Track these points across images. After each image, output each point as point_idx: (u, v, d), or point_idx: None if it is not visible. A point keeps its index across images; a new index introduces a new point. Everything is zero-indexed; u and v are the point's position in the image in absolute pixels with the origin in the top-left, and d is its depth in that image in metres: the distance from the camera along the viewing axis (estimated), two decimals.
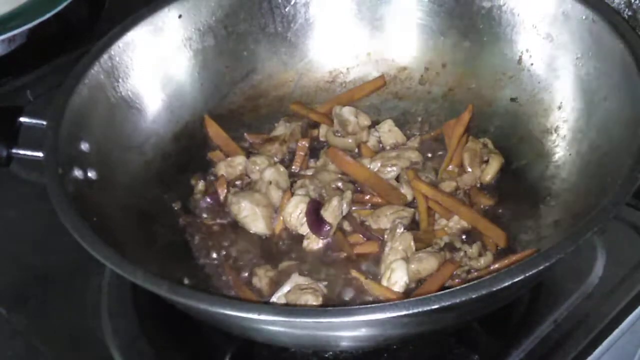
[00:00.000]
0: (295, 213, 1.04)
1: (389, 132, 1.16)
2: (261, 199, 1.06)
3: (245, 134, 1.18)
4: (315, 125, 1.18)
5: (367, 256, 1.02)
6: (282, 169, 1.10)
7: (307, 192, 1.06)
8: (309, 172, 1.12)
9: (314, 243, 1.03)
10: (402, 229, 0.99)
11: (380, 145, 1.16)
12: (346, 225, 1.05)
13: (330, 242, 1.03)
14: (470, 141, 1.11)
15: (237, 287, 0.99)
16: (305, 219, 1.03)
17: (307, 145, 1.14)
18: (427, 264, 0.96)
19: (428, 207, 1.05)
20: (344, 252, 1.02)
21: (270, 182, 1.07)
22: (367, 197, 1.07)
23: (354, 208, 1.06)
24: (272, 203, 1.07)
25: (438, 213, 1.04)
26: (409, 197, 1.07)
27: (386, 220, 1.03)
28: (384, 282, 0.97)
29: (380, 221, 1.03)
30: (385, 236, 1.00)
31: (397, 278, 0.96)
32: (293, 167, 1.13)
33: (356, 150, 1.15)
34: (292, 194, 1.06)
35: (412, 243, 0.98)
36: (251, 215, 1.05)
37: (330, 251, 1.03)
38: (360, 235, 1.03)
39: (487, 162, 1.09)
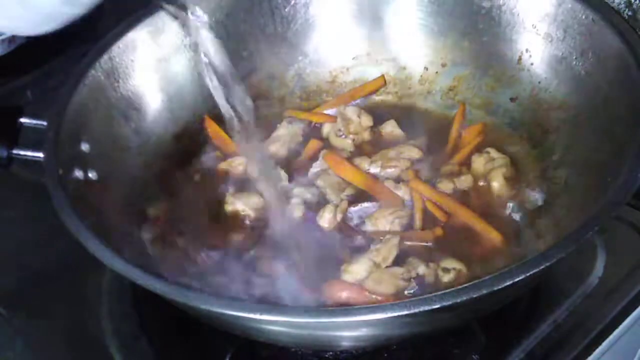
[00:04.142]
0: (292, 220, 1.04)
1: (391, 132, 1.16)
2: (257, 202, 1.06)
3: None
4: (317, 124, 1.19)
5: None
6: (282, 172, 1.10)
7: (303, 200, 1.06)
8: (314, 170, 1.12)
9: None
10: (396, 240, 0.99)
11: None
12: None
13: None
14: (474, 161, 1.10)
15: None
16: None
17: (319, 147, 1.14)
18: (384, 287, 0.95)
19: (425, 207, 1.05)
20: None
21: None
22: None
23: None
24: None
25: (435, 214, 1.04)
26: (407, 198, 1.07)
27: (385, 221, 1.03)
28: (345, 268, 0.97)
29: (379, 223, 1.03)
30: (388, 236, 1.01)
31: (356, 269, 0.97)
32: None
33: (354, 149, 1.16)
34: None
35: (392, 255, 0.98)
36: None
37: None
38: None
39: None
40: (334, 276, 0.97)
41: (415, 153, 1.12)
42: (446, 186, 1.07)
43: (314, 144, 1.16)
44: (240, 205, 1.06)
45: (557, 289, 1.00)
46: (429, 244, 1.01)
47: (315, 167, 1.12)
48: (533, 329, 0.95)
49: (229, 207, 1.06)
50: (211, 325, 0.91)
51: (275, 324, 0.80)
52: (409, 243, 1.01)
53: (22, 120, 1.02)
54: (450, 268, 0.97)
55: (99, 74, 1.05)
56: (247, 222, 1.06)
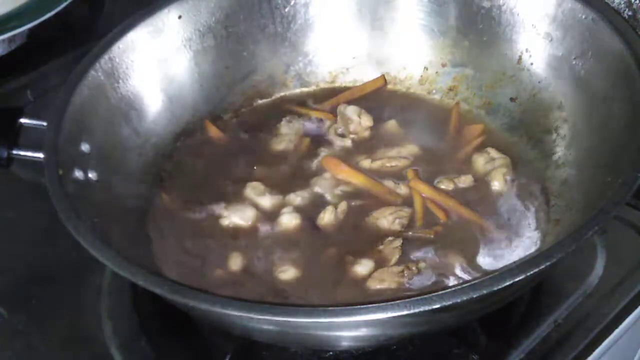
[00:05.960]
0: (289, 227, 1.04)
1: (391, 131, 1.16)
2: (250, 215, 1.06)
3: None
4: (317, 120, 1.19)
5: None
6: (260, 186, 1.08)
7: (298, 204, 1.06)
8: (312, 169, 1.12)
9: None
10: (399, 243, 0.99)
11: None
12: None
13: None
14: (474, 161, 1.10)
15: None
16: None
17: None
18: (385, 284, 0.96)
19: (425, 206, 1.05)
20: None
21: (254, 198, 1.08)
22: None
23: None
24: (262, 213, 1.06)
25: (435, 213, 1.04)
26: (408, 197, 1.07)
27: (385, 221, 1.03)
28: (349, 269, 0.98)
29: (380, 222, 1.03)
30: (390, 238, 1.01)
31: (360, 269, 0.97)
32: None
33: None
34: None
35: (395, 258, 0.98)
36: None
37: None
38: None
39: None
40: (337, 278, 0.97)
41: (415, 152, 1.12)
42: (446, 185, 1.07)
43: (311, 142, 1.15)
44: (235, 218, 1.05)
45: (557, 289, 1.00)
46: (431, 236, 1.01)
47: (314, 167, 1.12)
48: (533, 329, 0.95)
49: (224, 220, 1.06)
50: (211, 325, 0.91)
51: (275, 323, 0.80)
52: (411, 234, 1.01)
53: (22, 120, 1.02)
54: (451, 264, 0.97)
55: (99, 74, 1.05)
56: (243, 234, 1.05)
